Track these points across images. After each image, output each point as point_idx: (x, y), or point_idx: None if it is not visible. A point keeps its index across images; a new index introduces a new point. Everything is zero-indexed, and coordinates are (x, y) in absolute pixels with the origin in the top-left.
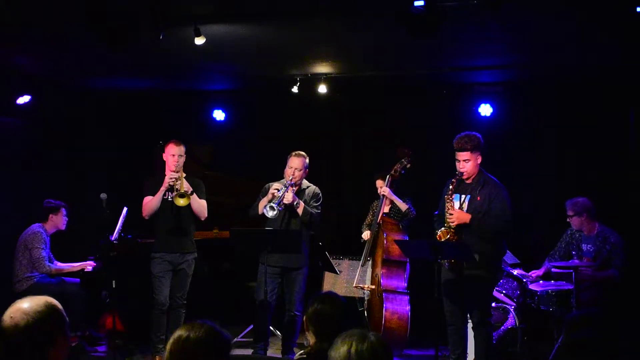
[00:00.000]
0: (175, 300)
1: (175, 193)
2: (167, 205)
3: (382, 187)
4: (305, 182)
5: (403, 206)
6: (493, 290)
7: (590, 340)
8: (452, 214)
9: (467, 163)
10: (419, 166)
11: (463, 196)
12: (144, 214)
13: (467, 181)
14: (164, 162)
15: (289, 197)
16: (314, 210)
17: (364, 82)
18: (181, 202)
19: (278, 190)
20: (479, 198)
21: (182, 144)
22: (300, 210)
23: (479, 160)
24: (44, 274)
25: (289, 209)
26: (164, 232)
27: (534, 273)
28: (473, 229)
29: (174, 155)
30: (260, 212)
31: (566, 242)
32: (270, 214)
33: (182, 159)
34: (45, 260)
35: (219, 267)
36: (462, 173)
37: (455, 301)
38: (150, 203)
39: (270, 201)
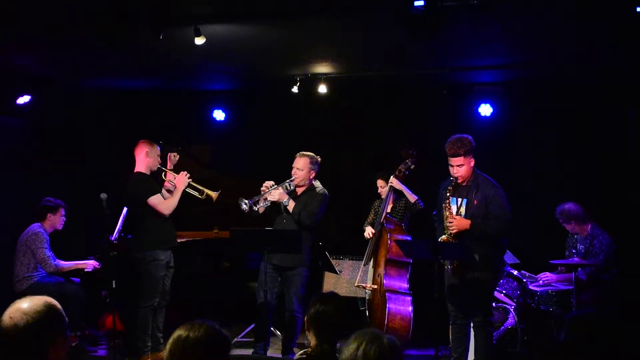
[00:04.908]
0: (165, 298)
1: (204, 194)
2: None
3: (391, 179)
4: (317, 184)
5: (412, 197)
6: (494, 291)
7: (590, 341)
8: (452, 222)
9: (461, 168)
10: (419, 166)
11: (459, 199)
12: (166, 213)
13: (462, 183)
14: (148, 159)
15: (274, 195)
16: (304, 210)
17: (364, 82)
18: (215, 195)
19: (269, 187)
20: (475, 202)
21: None
22: (290, 209)
23: (472, 163)
24: (47, 273)
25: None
26: (167, 228)
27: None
28: (474, 233)
29: (159, 155)
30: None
31: (568, 244)
32: (242, 207)
33: None
34: (50, 259)
35: (219, 267)
36: (456, 178)
37: (459, 302)
38: (174, 202)
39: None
